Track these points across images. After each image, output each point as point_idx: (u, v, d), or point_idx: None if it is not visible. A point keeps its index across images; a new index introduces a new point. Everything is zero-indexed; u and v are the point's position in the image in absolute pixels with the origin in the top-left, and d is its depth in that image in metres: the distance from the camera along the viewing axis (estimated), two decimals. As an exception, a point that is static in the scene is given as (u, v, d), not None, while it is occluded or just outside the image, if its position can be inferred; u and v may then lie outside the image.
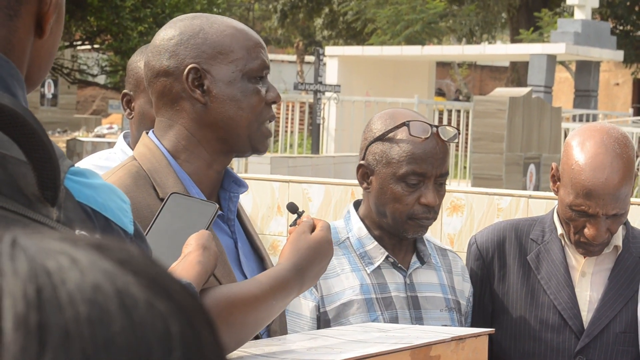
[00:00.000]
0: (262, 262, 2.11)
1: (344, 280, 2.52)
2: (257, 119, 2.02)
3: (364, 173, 2.55)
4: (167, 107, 2.04)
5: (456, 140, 2.55)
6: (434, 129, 2.49)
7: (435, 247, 2.69)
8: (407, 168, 2.46)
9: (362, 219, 2.60)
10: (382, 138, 2.50)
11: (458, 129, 2.57)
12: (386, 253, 2.56)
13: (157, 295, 0.57)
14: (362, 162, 2.55)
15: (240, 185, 2.09)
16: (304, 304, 2.46)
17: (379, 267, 2.56)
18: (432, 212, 2.50)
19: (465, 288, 2.70)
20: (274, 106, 2.08)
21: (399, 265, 2.57)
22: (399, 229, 2.52)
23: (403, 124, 2.48)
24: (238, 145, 2.03)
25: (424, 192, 2.48)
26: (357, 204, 2.65)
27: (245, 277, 2.02)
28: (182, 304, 0.59)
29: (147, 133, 2.08)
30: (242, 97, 2.00)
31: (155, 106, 2.08)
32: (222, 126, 2.01)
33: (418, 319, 2.55)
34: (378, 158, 2.51)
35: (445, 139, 2.50)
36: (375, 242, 2.57)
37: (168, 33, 2.05)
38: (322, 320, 2.48)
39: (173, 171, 2.01)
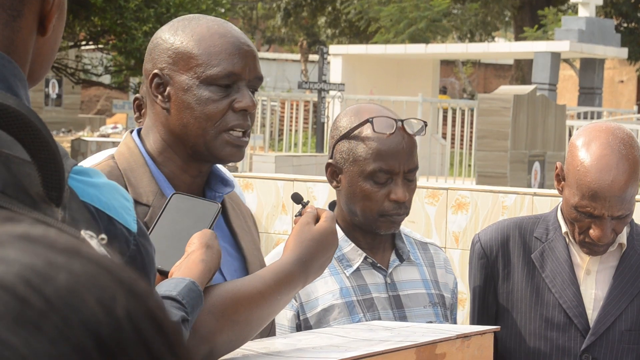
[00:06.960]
0: (244, 262, 2.09)
1: (323, 285, 2.48)
2: (214, 127, 1.98)
3: (333, 171, 2.51)
4: (149, 110, 2.07)
5: (423, 133, 2.51)
6: (399, 124, 2.44)
7: (415, 242, 2.66)
8: (374, 165, 2.43)
9: (336, 220, 2.57)
10: (347, 136, 2.46)
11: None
12: (364, 254, 2.53)
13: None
14: (330, 160, 2.51)
15: (226, 184, 2.08)
16: (281, 313, 2.41)
17: (358, 268, 2.52)
18: (402, 207, 2.46)
19: (449, 280, 2.67)
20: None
21: (378, 265, 2.54)
22: (371, 225, 2.48)
23: (367, 121, 2.44)
24: (198, 153, 2.00)
25: (393, 188, 2.44)
26: (333, 206, 2.61)
27: (223, 275, 2.02)
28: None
29: (130, 133, 2.09)
30: (196, 104, 1.97)
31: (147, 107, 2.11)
32: (180, 133, 2.00)
33: (402, 318, 2.52)
34: (345, 156, 2.47)
35: (411, 133, 2.46)
36: (352, 244, 2.53)
37: (154, 37, 2.07)
38: (304, 327, 2.44)
39: (149, 171, 2.02)
